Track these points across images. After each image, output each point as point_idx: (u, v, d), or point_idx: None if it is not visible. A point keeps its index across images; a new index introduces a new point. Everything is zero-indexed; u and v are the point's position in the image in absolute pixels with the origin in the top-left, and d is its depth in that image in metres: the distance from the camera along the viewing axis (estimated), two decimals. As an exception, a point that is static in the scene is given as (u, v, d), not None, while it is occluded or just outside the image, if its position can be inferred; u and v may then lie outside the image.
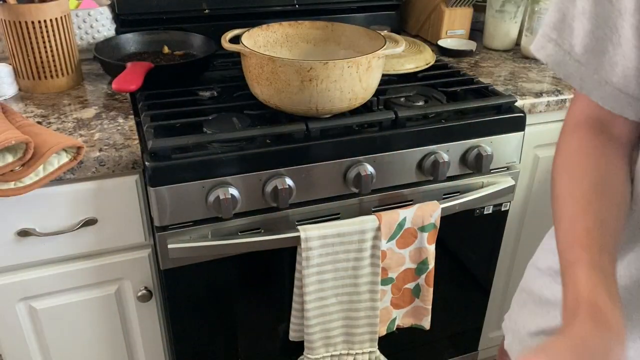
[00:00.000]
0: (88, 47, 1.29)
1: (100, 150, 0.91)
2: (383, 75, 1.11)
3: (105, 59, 1.15)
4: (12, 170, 0.81)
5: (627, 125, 0.60)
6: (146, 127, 0.96)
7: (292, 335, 1.11)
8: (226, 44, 0.99)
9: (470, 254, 1.28)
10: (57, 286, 0.99)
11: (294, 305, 1.07)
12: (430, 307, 1.18)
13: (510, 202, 1.21)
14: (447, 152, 1.06)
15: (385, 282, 1.10)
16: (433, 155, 1.05)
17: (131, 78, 1.04)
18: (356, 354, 1.15)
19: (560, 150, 0.62)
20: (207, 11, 1.36)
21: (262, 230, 1.01)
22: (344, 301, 1.08)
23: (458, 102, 1.13)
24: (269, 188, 0.96)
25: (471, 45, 1.45)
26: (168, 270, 0.99)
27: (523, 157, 1.21)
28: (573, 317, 0.45)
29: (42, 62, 1.10)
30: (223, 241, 0.97)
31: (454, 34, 1.51)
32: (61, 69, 1.13)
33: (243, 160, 0.94)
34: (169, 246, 0.95)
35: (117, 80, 1.02)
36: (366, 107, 1.07)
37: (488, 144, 1.09)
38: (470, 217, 1.19)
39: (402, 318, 1.19)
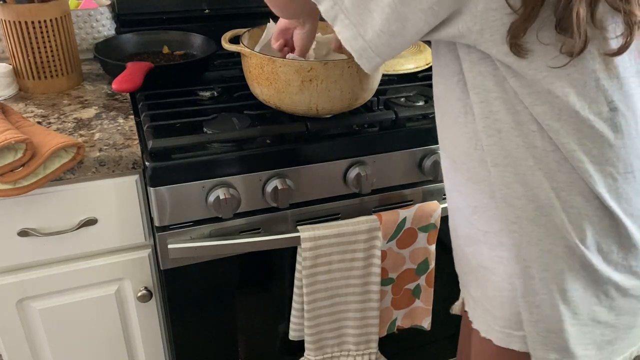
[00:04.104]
0: (88, 47, 1.29)
1: (100, 150, 0.91)
2: (383, 75, 1.11)
3: (105, 59, 1.15)
4: (12, 171, 0.81)
5: None
6: (146, 127, 0.96)
7: (292, 335, 1.11)
8: (226, 44, 0.99)
9: (470, 254, 1.27)
10: (57, 286, 0.99)
11: (294, 305, 1.07)
12: (430, 307, 1.18)
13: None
14: (447, 152, 1.06)
15: (385, 282, 1.10)
16: (433, 155, 1.04)
17: (131, 78, 1.04)
18: (356, 354, 1.15)
19: None
20: (207, 11, 1.36)
21: (262, 230, 1.01)
22: (344, 301, 1.08)
23: (458, 102, 1.13)
24: (269, 188, 0.96)
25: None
26: (168, 270, 0.99)
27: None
28: None
29: (42, 62, 1.10)
30: (223, 241, 0.97)
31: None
32: (61, 69, 1.13)
33: (243, 160, 0.94)
34: (169, 246, 0.95)
35: (117, 80, 1.02)
36: (366, 107, 1.07)
37: (488, 144, 1.09)
38: (470, 217, 1.19)
39: (402, 319, 1.19)
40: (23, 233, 0.91)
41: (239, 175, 0.94)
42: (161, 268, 0.99)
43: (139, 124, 1.01)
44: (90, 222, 0.94)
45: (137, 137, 0.96)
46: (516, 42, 0.53)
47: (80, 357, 1.08)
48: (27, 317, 1.00)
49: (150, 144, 0.90)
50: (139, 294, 1.03)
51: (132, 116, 1.04)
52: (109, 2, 1.32)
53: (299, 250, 1.00)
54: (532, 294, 0.65)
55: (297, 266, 1.02)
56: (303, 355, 1.13)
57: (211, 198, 0.93)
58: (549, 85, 0.57)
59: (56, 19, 1.08)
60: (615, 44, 0.54)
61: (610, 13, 0.53)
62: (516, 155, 0.61)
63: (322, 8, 0.60)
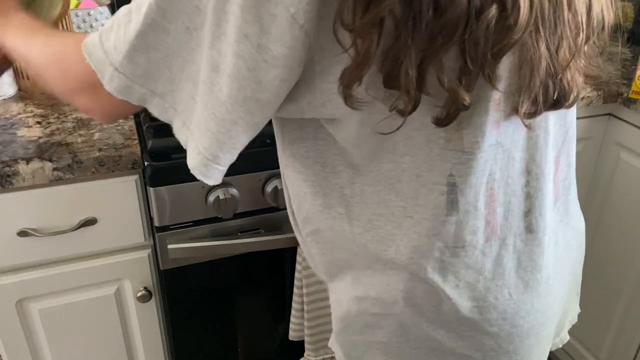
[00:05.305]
0: (88, 46, 1.29)
1: (100, 150, 0.90)
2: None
3: (105, 58, 1.14)
4: None
5: None
6: (146, 126, 0.96)
7: (292, 335, 1.11)
8: (226, 44, 0.99)
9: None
10: (57, 286, 0.98)
11: (293, 305, 1.07)
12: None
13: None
14: (448, 152, 1.06)
15: (385, 282, 1.09)
16: (433, 155, 1.04)
17: (131, 78, 1.03)
18: (356, 354, 1.14)
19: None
20: (207, 11, 1.36)
21: (262, 230, 1.01)
22: (344, 301, 1.08)
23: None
24: (269, 188, 0.95)
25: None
26: (168, 271, 0.99)
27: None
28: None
29: (41, 62, 1.10)
30: (223, 241, 0.97)
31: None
32: (61, 69, 1.12)
33: (243, 160, 0.93)
34: (169, 246, 0.95)
35: (117, 80, 1.02)
36: (366, 107, 1.07)
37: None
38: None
39: (402, 318, 1.18)
40: (23, 233, 0.91)
41: (238, 175, 0.94)
42: (161, 268, 0.99)
43: (138, 124, 1.01)
44: (90, 222, 0.94)
45: (136, 136, 0.95)
46: (349, 93, 0.46)
47: (80, 357, 1.08)
48: (27, 317, 1.00)
49: (149, 143, 0.90)
50: (139, 294, 1.03)
51: (132, 116, 1.03)
52: (108, 2, 1.31)
53: (298, 250, 0.99)
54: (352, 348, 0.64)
55: (297, 266, 1.02)
56: (303, 356, 1.13)
57: (211, 198, 0.92)
58: (386, 148, 0.51)
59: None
60: (440, 113, 0.47)
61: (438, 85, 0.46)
62: (325, 235, 0.61)
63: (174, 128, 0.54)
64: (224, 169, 0.52)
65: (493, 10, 0.41)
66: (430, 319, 0.58)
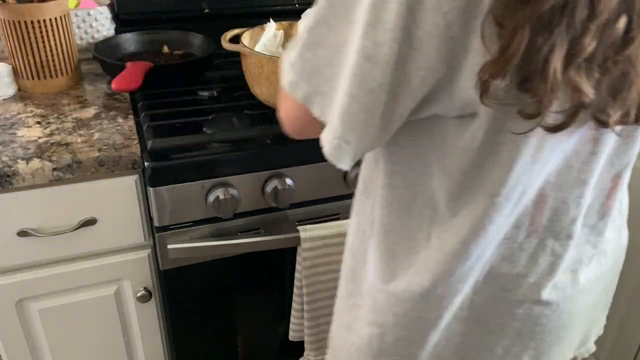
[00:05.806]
0: (87, 46, 1.29)
1: (100, 150, 0.90)
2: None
3: (105, 58, 1.14)
4: None
5: None
6: (146, 127, 0.96)
7: (292, 335, 1.11)
8: (226, 44, 0.99)
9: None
10: (57, 286, 0.98)
11: (293, 305, 1.07)
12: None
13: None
14: (448, 152, 1.06)
15: (385, 282, 1.09)
16: (433, 155, 1.04)
17: (131, 78, 1.03)
18: (356, 354, 1.14)
19: None
20: (207, 11, 1.36)
21: (262, 230, 1.01)
22: (344, 301, 1.08)
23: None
24: (269, 188, 0.95)
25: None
26: (168, 271, 0.99)
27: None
28: None
29: (41, 61, 1.10)
30: (223, 241, 0.97)
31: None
32: (60, 69, 1.12)
33: (243, 160, 0.94)
34: (169, 246, 0.95)
35: (117, 80, 1.02)
36: (366, 107, 1.07)
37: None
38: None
39: (402, 318, 1.18)
40: (22, 233, 0.91)
41: (238, 175, 0.94)
42: (160, 268, 0.99)
43: (138, 124, 1.01)
44: (90, 222, 0.94)
45: (136, 137, 0.95)
46: (487, 88, 0.45)
47: (79, 357, 1.08)
48: (27, 317, 1.00)
49: (149, 144, 0.90)
50: (139, 294, 1.03)
51: (132, 116, 1.03)
52: (108, 2, 1.31)
53: (299, 250, 0.99)
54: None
55: (297, 266, 1.02)
56: (303, 355, 1.13)
57: (211, 198, 0.92)
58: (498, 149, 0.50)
59: (55, 18, 1.08)
60: (553, 119, 0.46)
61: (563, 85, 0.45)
62: (399, 232, 0.60)
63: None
64: (355, 154, 0.51)
65: (624, 20, 0.42)
66: (459, 314, 0.60)
